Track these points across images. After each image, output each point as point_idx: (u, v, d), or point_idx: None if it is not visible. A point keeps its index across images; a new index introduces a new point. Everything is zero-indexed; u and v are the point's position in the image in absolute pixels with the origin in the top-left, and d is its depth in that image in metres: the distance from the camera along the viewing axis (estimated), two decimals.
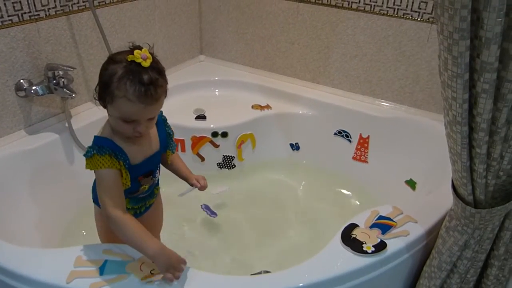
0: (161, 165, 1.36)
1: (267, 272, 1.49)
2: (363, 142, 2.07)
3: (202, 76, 2.37)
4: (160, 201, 1.47)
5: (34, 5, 1.61)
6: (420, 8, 1.81)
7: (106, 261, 1.14)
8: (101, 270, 1.11)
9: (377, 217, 1.33)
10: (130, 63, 1.04)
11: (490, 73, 0.90)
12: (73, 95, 1.66)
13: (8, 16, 1.54)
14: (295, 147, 2.22)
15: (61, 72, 1.66)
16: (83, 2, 1.77)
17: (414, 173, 1.87)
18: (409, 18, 1.85)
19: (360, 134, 2.06)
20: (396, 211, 1.36)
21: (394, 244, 1.23)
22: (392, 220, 1.32)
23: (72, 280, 1.08)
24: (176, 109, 2.07)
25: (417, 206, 1.43)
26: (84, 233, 1.72)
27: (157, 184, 1.38)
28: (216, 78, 2.36)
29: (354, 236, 1.25)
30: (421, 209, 1.39)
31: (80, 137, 1.76)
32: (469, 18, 0.85)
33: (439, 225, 1.31)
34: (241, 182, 2.11)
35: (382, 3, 1.89)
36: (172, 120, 1.36)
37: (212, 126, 2.04)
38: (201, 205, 1.92)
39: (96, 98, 1.12)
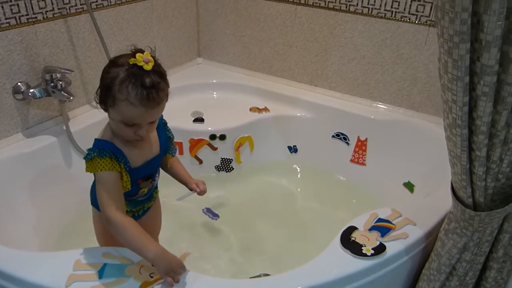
0: (160, 168, 1.36)
1: (267, 275, 1.49)
2: (361, 145, 2.07)
3: (200, 78, 2.37)
4: (158, 204, 1.47)
5: (32, 8, 1.60)
6: (417, 11, 1.82)
7: (105, 264, 1.14)
8: (100, 274, 1.11)
9: (376, 219, 1.33)
10: (132, 66, 1.04)
11: (490, 76, 0.91)
12: (71, 98, 1.66)
13: (6, 18, 1.53)
14: (293, 149, 2.22)
15: (58, 75, 1.65)
16: (80, 4, 1.77)
17: (412, 176, 1.87)
18: (406, 21, 1.86)
19: (358, 137, 2.07)
20: (395, 214, 1.36)
21: (393, 246, 1.23)
22: (391, 222, 1.32)
23: (71, 283, 1.07)
24: (174, 112, 2.06)
25: (416, 208, 1.42)
26: (82, 236, 1.71)
27: (156, 187, 1.37)
28: (214, 81, 2.36)
29: (353, 238, 1.25)
30: (420, 211, 1.39)
31: (78, 140, 1.75)
32: (469, 21, 0.85)
33: (438, 227, 1.31)
34: (239, 184, 2.11)
35: (380, 6, 1.89)
36: (170, 122, 1.36)
37: (210, 128, 2.04)
38: (203, 209, 1.91)
39: (97, 102, 1.12)
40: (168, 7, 2.22)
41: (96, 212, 1.33)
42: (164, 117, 1.33)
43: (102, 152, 1.10)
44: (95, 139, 1.16)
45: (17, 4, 1.55)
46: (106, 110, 1.11)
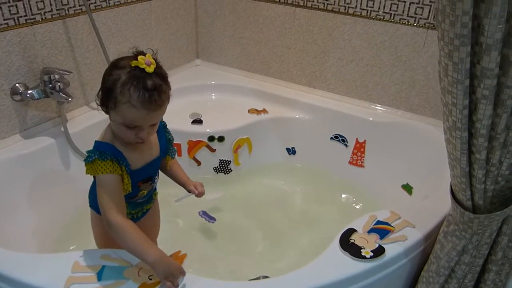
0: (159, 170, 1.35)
1: (266, 277, 1.49)
2: (360, 147, 2.07)
3: (199, 80, 2.37)
4: (157, 206, 1.46)
5: (30, 9, 1.60)
6: (416, 14, 1.82)
7: (104, 266, 1.13)
8: (99, 276, 1.10)
9: (375, 222, 1.34)
10: (134, 68, 1.03)
11: (490, 79, 0.91)
12: (69, 99, 1.65)
13: (4, 19, 1.53)
14: (291, 151, 2.22)
15: (57, 76, 1.65)
16: (79, 5, 1.76)
17: (411, 178, 1.87)
18: (405, 23, 1.86)
19: (357, 139, 2.07)
20: (394, 216, 1.36)
21: (392, 249, 1.24)
22: (390, 225, 1.32)
23: (70, 285, 1.07)
24: (173, 114, 2.04)
25: (414, 211, 1.43)
26: (81, 238, 1.70)
27: (155, 189, 1.37)
28: (213, 82, 2.36)
29: (352, 241, 1.25)
30: (419, 214, 1.39)
31: (76, 141, 1.75)
32: (470, 24, 0.85)
33: (436, 230, 1.32)
34: (238, 186, 2.11)
35: (379, 8, 1.90)
36: (168, 124, 1.36)
37: (208, 130, 2.03)
38: (199, 212, 1.90)
39: (98, 104, 1.11)
40: (167, 8, 2.22)
41: (94, 214, 1.32)
42: (162, 119, 1.33)
43: (103, 154, 1.10)
44: (96, 141, 1.15)
45: (16, 5, 1.55)
46: (107, 112, 1.11)
